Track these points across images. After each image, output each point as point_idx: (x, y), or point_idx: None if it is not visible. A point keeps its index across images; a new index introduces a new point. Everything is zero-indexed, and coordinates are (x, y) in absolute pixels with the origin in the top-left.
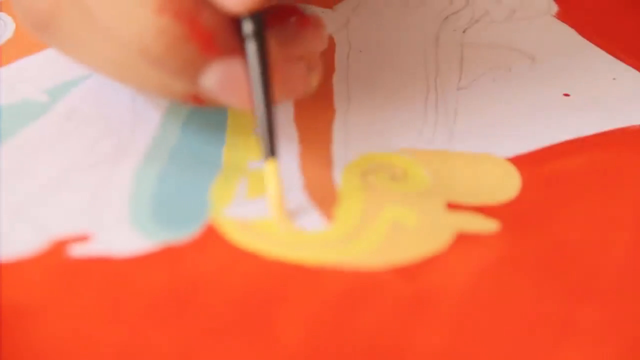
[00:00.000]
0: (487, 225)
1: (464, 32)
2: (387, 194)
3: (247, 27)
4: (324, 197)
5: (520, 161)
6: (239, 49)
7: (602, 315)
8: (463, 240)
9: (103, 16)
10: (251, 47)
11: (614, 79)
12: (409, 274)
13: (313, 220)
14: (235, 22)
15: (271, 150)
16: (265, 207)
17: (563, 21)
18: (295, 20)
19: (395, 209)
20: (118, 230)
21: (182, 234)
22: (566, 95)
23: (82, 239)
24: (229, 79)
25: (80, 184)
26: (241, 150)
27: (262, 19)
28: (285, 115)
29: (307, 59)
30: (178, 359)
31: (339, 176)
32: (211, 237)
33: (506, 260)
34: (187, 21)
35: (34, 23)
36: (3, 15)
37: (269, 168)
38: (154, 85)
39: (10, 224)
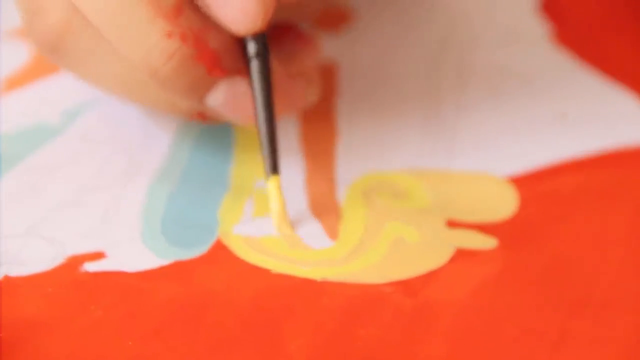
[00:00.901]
0: (486, 242)
1: (461, 54)
2: (389, 212)
3: (252, 47)
4: (328, 215)
5: (517, 180)
6: (243, 69)
7: (597, 329)
8: (462, 256)
9: (112, 38)
10: (255, 67)
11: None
12: (410, 288)
13: (317, 237)
14: (239, 42)
15: (274, 168)
16: (271, 224)
17: (559, 43)
18: (293, 37)
19: (397, 225)
20: (130, 248)
21: (193, 253)
22: (563, 115)
23: (95, 257)
24: (235, 98)
25: (93, 204)
26: (248, 170)
27: (265, 40)
28: (291, 136)
29: (305, 75)
30: None
31: (343, 195)
32: (220, 253)
33: (504, 275)
34: (195, 43)
35: (45, 45)
36: (16, 40)
37: (271, 185)
38: (162, 104)
39: (24, 241)
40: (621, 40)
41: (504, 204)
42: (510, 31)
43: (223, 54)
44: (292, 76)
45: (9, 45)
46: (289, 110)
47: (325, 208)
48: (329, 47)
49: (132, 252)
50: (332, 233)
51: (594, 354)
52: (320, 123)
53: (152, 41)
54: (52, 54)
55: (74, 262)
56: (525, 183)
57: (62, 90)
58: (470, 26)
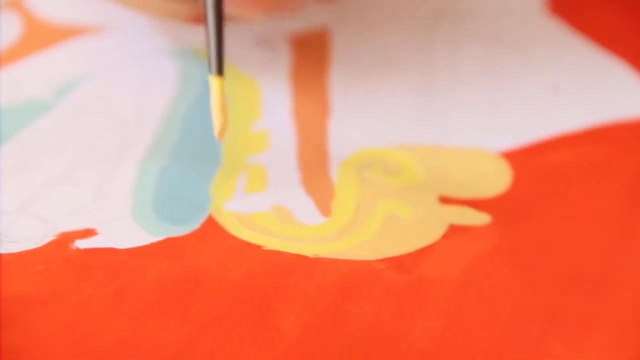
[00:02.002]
0: (479, 218)
1: (456, 26)
2: (381, 188)
3: None
4: (321, 192)
5: (511, 155)
6: None
7: (590, 306)
8: (455, 232)
9: None
10: None
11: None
12: (402, 264)
13: (310, 214)
14: None
15: (218, 69)
16: (262, 201)
17: (553, 14)
18: None
19: (389, 202)
20: (121, 225)
21: (184, 230)
22: (556, 89)
23: (86, 233)
24: None
25: (84, 180)
26: (240, 145)
27: None
28: (283, 111)
29: None
30: (180, 347)
31: (335, 171)
32: (212, 230)
33: (497, 251)
34: None
35: None
36: (9, 14)
37: (213, 83)
38: (162, 10)
39: (15, 218)
40: (614, 10)
41: (497, 179)
42: (504, 2)
43: None
44: None
45: (1, 18)
46: (282, 6)
47: (317, 184)
48: (322, 17)
49: (123, 229)
50: (325, 209)
51: (588, 330)
52: (312, 98)
53: None
54: None
55: (65, 238)
56: (518, 158)
57: (53, 66)
58: None
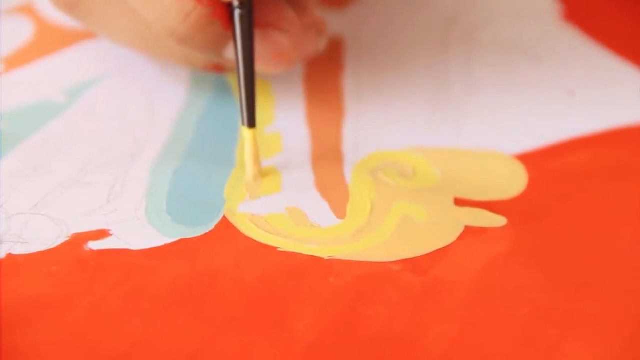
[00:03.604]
0: (495, 221)
1: (470, 33)
2: (396, 191)
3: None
4: (335, 194)
5: (526, 158)
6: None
7: (607, 308)
8: (471, 234)
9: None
10: (237, 16)
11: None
12: (418, 266)
13: (325, 216)
14: None
15: (250, 122)
16: (277, 203)
17: (568, 21)
18: None
19: (404, 204)
20: (134, 226)
21: (198, 231)
22: (571, 93)
23: (99, 235)
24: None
25: (98, 182)
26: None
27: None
28: (298, 113)
29: (315, 25)
30: (194, 349)
31: (349, 173)
32: (226, 231)
33: (513, 254)
34: (209, 2)
35: (64, 1)
36: (21, 18)
37: (246, 135)
38: (179, 58)
39: (28, 219)
40: (627, 17)
41: (512, 182)
42: (519, 8)
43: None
44: (306, 27)
45: (12, 22)
46: (302, 57)
47: (332, 186)
48: (335, 24)
49: (137, 230)
50: (340, 211)
51: (605, 333)
52: (326, 101)
53: (168, 3)
54: (70, 10)
55: (78, 240)
56: (533, 161)
57: (66, 68)
58: (479, 4)
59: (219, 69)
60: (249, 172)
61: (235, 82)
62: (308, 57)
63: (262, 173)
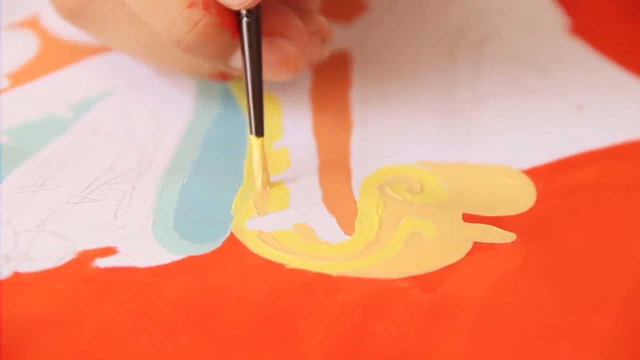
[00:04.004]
0: (504, 236)
1: (477, 46)
2: (404, 206)
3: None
4: (343, 210)
5: (535, 173)
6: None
7: (618, 324)
8: (480, 250)
9: (136, 8)
10: (244, 24)
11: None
12: (427, 283)
13: (332, 232)
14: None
15: (258, 131)
16: (284, 219)
17: (575, 35)
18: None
19: (413, 220)
20: (141, 243)
21: (206, 248)
22: (579, 108)
23: (106, 252)
24: None
25: (104, 198)
26: None
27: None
28: (305, 128)
29: (320, 32)
30: None
31: (357, 189)
32: (233, 248)
33: (523, 270)
34: (218, 11)
35: (67, 10)
36: (26, 33)
37: (255, 143)
38: (184, 67)
39: (35, 237)
40: (636, 31)
41: (521, 197)
42: (527, 22)
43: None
44: (310, 33)
45: (17, 37)
46: (307, 64)
47: (340, 202)
48: (342, 37)
49: (144, 247)
50: (347, 227)
51: (616, 350)
52: (333, 116)
53: (175, 12)
54: (74, 20)
55: (85, 257)
56: (542, 175)
57: (71, 83)
58: (486, 17)
59: (224, 77)
60: (258, 180)
61: (242, 92)
62: (313, 63)
63: (271, 185)
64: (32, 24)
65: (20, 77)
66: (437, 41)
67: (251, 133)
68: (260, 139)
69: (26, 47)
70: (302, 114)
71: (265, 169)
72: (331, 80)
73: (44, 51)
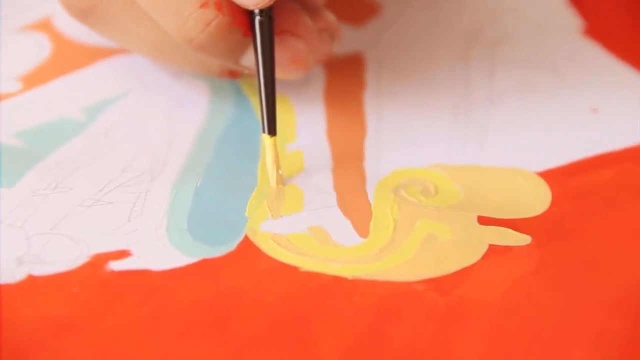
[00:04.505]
0: (520, 239)
1: (491, 48)
2: (419, 209)
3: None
4: (358, 212)
5: (550, 175)
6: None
7: (633, 327)
8: (495, 253)
9: (147, 7)
10: (257, 23)
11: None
12: (442, 286)
13: (347, 235)
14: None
15: (270, 129)
16: (299, 222)
17: (590, 37)
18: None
19: (428, 223)
20: (155, 246)
21: (220, 251)
22: (594, 110)
23: (120, 255)
24: None
25: (118, 201)
26: None
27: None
28: (319, 131)
29: (329, 29)
30: None
31: (372, 191)
32: (248, 251)
33: (538, 273)
34: (230, 10)
35: (78, 9)
36: (38, 35)
37: (267, 142)
38: (193, 65)
39: (48, 240)
40: None
41: (537, 200)
42: (541, 24)
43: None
44: (319, 30)
45: (29, 40)
46: (316, 60)
47: (354, 205)
48: (356, 40)
49: (158, 250)
50: (362, 230)
51: (634, 354)
52: (347, 119)
53: (188, 12)
54: (83, 18)
55: (99, 260)
56: (558, 178)
57: (84, 86)
58: (500, 19)
59: (233, 74)
60: (272, 179)
61: (254, 93)
62: (322, 60)
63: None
64: (44, 26)
65: (33, 79)
66: (450, 43)
67: (264, 132)
68: (273, 137)
69: (39, 49)
70: (316, 117)
71: (278, 167)
72: (345, 82)
73: (56, 54)
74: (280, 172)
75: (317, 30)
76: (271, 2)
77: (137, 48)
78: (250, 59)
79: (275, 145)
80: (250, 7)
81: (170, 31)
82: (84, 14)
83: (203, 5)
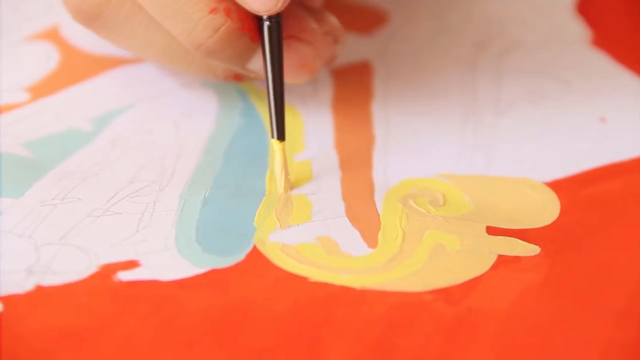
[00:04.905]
0: (529, 249)
1: (499, 58)
2: (428, 219)
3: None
4: (366, 222)
5: (559, 185)
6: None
7: None
8: (504, 263)
9: (155, 13)
10: (266, 28)
11: None
12: (451, 296)
13: (356, 245)
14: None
15: (279, 134)
16: (307, 232)
17: (597, 47)
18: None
19: (436, 233)
20: (164, 257)
21: (229, 261)
22: (602, 120)
23: (129, 265)
24: None
25: (127, 211)
26: None
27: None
28: (327, 142)
29: (333, 32)
30: None
31: (380, 201)
32: (257, 261)
33: (547, 283)
34: (239, 16)
35: (84, 15)
36: (48, 45)
37: (276, 147)
38: (199, 68)
39: (57, 250)
40: None
41: (545, 210)
42: (549, 34)
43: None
44: (324, 34)
45: (37, 49)
46: (321, 63)
47: (363, 215)
48: (363, 49)
49: (167, 260)
50: (371, 240)
51: None
52: (355, 129)
53: (197, 18)
54: (89, 23)
55: (108, 271)
56: (566, 188)
57: (93, 96)
58: (508, 29)
59: (238, 78)
60: (280, 184)
61: (262, 103)
62: (326, 63)
63: (293, 198)
64: (52, 35)
65: (41, 90)
66: (458, 52)
67: (273, 137)
68: (282, 143)
69: (47, 59)
70: (324, 127)
71: (287, 173)
72: (352, 92)
73: (64, 64)
74: (289, 177)
75: (322, 34)
76: (282, 8)
77: (143, 53)
78: (257, 64)
79: (284, 150)
80: (261, 13)
81: (179, 36)
82: (90, 19)
83: (212, 11)
